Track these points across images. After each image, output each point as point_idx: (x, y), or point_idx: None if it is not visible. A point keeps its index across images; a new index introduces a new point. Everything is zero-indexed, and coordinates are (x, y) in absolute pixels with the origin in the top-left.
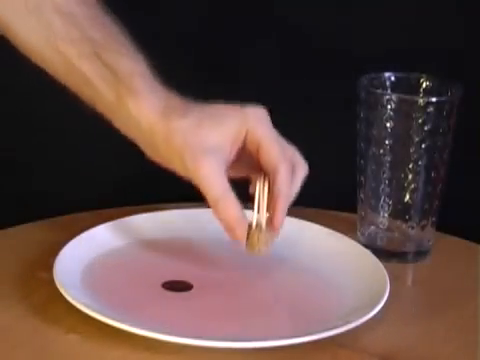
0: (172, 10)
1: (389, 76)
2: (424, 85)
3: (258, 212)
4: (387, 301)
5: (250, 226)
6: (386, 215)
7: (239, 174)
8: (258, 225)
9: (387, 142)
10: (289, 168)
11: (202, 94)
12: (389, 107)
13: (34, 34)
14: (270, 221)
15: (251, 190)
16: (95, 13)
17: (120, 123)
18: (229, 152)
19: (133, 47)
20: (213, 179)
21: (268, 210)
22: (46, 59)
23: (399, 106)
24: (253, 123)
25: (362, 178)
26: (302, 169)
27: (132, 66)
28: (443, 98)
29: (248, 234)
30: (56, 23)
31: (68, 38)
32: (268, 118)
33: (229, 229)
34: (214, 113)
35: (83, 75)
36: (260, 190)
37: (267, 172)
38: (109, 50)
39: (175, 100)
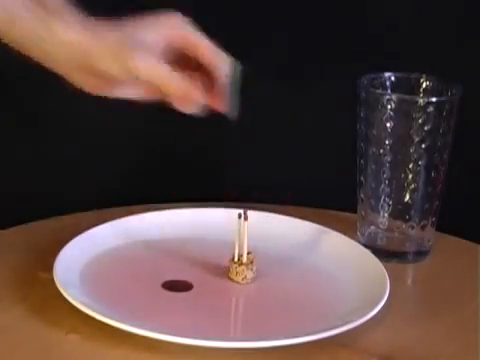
0: None
1: (389, 76)
2: (424, 85)
3: (239, 248)
4: (387, 301)
5: (233, 260)
6: (386, 215)
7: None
8: (239, 259)
9: (387, 142)
10: (228, 61)
11: None
12: (389, 107)
13: None
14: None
15: None
16: None
17: (42, 49)
18: (161, 49)
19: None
20: (152, 65)
21: None
22: None
23: (399, 106)
24: (182, 28)
25: (362, 178)
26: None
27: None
28: (443, 98)
29: (230, 267)
30: None
31: None
32: (188, 20)
33: (185, 98)
34: (144, 19)
35: (12, 13)
36: (241, 229)
37: (207, 69)
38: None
39: (102, 20)
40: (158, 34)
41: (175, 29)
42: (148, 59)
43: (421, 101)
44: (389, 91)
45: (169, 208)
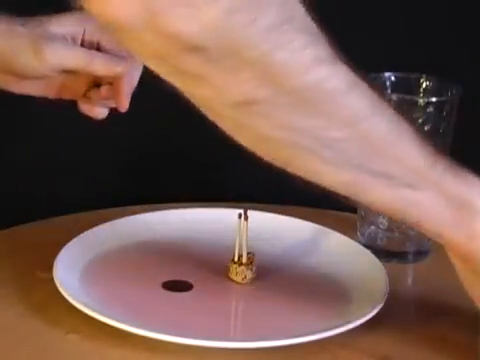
0: None
1: (389, 76)
2: (424, 85)
3: (239, 248)
4: (387, 301)
5: (233, 260)
6: None
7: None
8: (239, 259)
9: None
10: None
11: None
12: None
13: None
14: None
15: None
16: None
17: None
18: (77, 40)
19: None
20: (72, 49)
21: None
22: None
23: (399, 106)
24: (90, 25)
25: None
26: None
27: None
28: (443, 98)
29: (229, 267)
30: None
31: None
32: None
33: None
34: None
35: None
36: (241, 229)
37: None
38: None
39: (12, 17)
40: (73, 27)
41: (90, 22)
42: (66, 45)
43: (421, 101)
44: (389, 91)
45: (169, 208)
